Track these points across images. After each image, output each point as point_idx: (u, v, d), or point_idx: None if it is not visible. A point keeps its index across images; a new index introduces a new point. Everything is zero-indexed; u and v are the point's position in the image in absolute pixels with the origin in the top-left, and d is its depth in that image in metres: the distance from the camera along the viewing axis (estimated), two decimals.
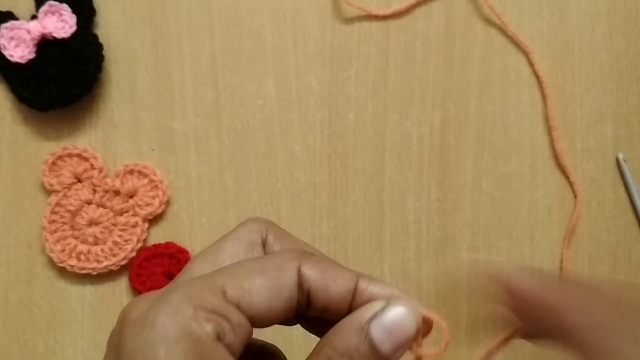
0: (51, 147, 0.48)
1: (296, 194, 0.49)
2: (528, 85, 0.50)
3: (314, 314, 0.25)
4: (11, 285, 0.48)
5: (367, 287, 0.24)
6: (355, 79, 0.50)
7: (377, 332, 0.23)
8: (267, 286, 0.23)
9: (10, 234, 0.48)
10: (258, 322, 0.23)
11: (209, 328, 0.22)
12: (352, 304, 0.24)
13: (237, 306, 0.23)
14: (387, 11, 0.49)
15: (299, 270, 0.24)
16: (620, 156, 0.30)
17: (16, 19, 0.47)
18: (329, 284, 0.24)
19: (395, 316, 0.24)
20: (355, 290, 0.24)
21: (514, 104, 0.50)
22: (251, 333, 0.23)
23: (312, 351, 0.24)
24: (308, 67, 0.49)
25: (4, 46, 0.46)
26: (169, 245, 0.48)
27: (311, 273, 0.24)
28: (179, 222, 0.49)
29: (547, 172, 0.50)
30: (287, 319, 0.25)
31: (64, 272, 0.48)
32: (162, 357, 0.21)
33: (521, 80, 0.50)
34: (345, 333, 0.23)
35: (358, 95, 0.50)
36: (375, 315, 0.23)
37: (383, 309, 0.24)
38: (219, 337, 0.22)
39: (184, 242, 0.48)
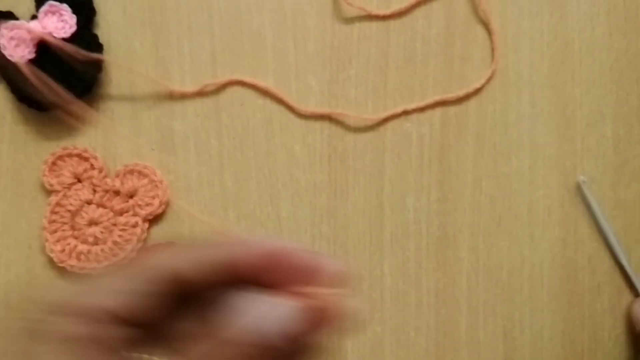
0: (51, 147, 0.48)
1: (296, 194, 0.49)
2: (528, 85, 0.50)
3: (194, 294, 0.27)
4: (11, 285, 0.48)
5: (247, 256, 0.26)
6: (355, 79, 0.50)
7: (243, 322, 0.25)
8: (133, 288, 0.26)
9: (10, 234, 0.48)
10: (132, 319, 0.26)
11: (79, 329, 0.25)
12: (232, 273, 0.26)
13: (104, 309, 0.25)
14: (387, 11, 0.49)
15: (169, 267, 0.26)
16: (581, 179, 0.29)
17: (16, 19, 0.47)
18: (202, 266, 0.26)
19: (277, 309, 0.25)
20: (233, 263, 0.26)
21: (514, 104, 0.50)
22: (130, 330, 0.26)
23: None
24: (308, 67, 0.49)
25: (4, 46, 0.46)
26: (169, 245, 0.48)
27: (182, 264, 0.26)
28: (179, 222, 0.49)
29: (547, 172, 0.50)
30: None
31: (64, 272, 0.48)
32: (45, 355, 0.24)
33: (521, 80, 0.50)
34: (212, 324, 0.25)
35: (358, 95, 0.50)
36: (242, 307, 0.25)
37: (268, 304, 0.25)
38: (91, 337, 0.25)
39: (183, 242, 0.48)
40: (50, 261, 0.48)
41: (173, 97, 0.49)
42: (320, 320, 0.25)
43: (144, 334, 0.26)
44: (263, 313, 0.25)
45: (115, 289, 0.26)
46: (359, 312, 0.26)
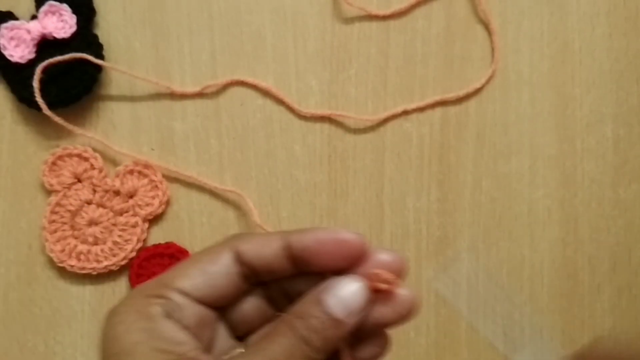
0: (51, 147, 0.48)
1: (296, 194, 0.49)
2: (528, 85, 0.50)
3: (265, 278, 0.29)
4: (11, 285, 0.48)
5: (300, 239, 0.28)
6: (355, 79, 0.50)
7: (331, 299, 0.27)
8: (204, 269, 0.28)
9: (10, 234, 0.48)
10: (211, 300, 0.28)
11: (155, 308, 0.27)
12: (292, 258, 0.28)
13: (182, 291, 0.28)
14: (387, 11, 0.49)
15: (234, 249, 0.28)
16: (432, 274, 0.29)
17: (16, 19, 0.47)
18: (261, 249, 0.28)
19: (346, 287, 0.27)
20: (288, 246, 0.28)
21: (514, 104, 0.50)
22: (207, 311, 0.28)
23: (278, 319, 0.28)
24: (308, 67, 0.49)
25: (4, 46, 0.46)
26: (169, 245, 0.48)
27: (246, 247, 0.28)
28: (179, 222, 0.49)
29: (547, 172, 0.50)
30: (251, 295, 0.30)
31: (64, 272, 0.48)
32: (121, 334, 0.26)
33: (521, 80, 0.50)
34: (303, 302, 0.27)
35: (358, 95, 0.50)
36: (328, 287, 0.27)
37: (336, 282, 0.27)
38: (167, 315, 0.27)
39: (184, 242, 0.48)
40: (50, 261, 0.48)
41: (173, 97, 0.49)
42: (385, 303, 0.28)
43: (213, 316, 0.29)
44: (343, 295, 0.27)
45: (187, 272, 0.28)
46: (414, 299, 0.28)
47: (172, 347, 0.26)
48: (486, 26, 0.50)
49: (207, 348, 0.29)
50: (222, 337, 0.30)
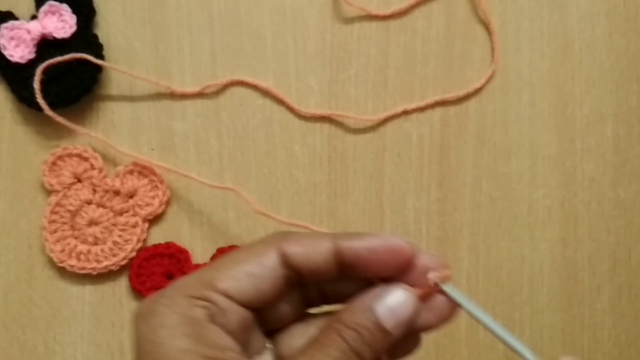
0: (51, 147, 0.48)
1: (296, 194, 0.49)
2: (528, 85, 0.50)
3: (309, 281, 0.28)
4: (11, 285, 0.48)
5: (351, 246, 0.27)
6: (355, 79, 0.50)
7: (381, 310, 0.26)
8: (250, 271, 0.27)
9: (10, 234, 0.48)
10: (254, 303, 0.27)
11: (199, 312, 0.26)
12: (341, 264, 0.28)
13: (226, 293, 0.27)
14: (387, 11, 0.49)
15: (281, 251, 0.27)
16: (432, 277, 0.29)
17: (16, 19, 0.47)
18: (310, 253, 0.28)
19: (396, 297, 0.27)
20: (339, 251, 0.27)
21: (514, 104, 0.50)
22: (248, 314, 0.27)
23: (324, 326, 0.27)
24: (308, 67, 0.49)
25: (4, 46, 0.46)
26: (169, 245, 0.48)
27: (293, 249, 0.28)
28: (179, 222, 0.49)
29: (547, 172, 0.50)
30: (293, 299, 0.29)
31: (64, 272, 0.48)
32: (164, 339, 0.25)
33: (521, 80, 0.50)
34: (353, 311, 0.27)
35: (358, 95, 0.50)
36: (379, 296, 0.27)
37: (386, 291, 0.27)
38: (211, 319, 0.26)
39: (184, 242, 0.48)
40: (50, 261, 0.48)
41: (173, 97, 0.49)
42: (429, 309, 0.27)
43: (252, 317, 0.28)
44: (393, 302, 0.27)
45: (231, 273, 0.27)
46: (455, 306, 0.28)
47: (218, 353, 0.25)
48: (486, 26, 0.50)
49: (245, 349, 0.28)
50: (257, 336, 0.29)
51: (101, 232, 0.48)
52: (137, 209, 0.48)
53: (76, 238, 0.48)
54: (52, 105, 0.47)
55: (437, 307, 0.28)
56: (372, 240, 0.27)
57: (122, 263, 0.48)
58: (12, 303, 0.48)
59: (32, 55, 0.46)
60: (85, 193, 0.48)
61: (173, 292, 0.27)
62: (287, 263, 0.28)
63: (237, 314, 0.27)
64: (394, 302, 0.27)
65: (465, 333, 0.49)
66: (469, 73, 0.50)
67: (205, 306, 0.26)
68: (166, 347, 0.25)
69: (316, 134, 0.49)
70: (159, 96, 0.49)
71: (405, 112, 0.50)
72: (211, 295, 0.26)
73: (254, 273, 0.27)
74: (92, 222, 0.48)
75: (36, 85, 0.46)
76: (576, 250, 0.50)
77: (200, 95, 0.49)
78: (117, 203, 0.48)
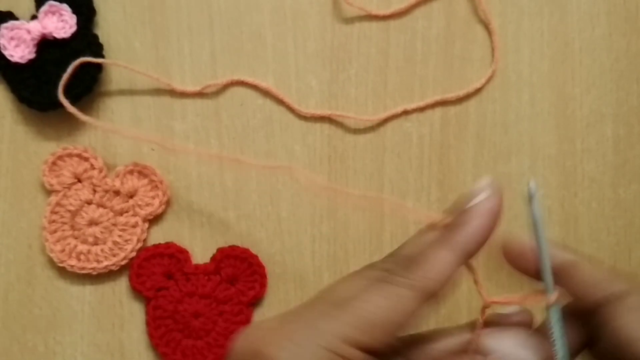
0: (51, 147, 0.48)
1: (296, 194, 0.49)
2: (528, 85, 0.50)
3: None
4: (11, 285, 0.48)
5: (466, 245, 0.28)
6: (355, 79, 0.50)
7: None
8: (392, 320, 0.25)
9: (10, 234, 0.48)
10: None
11: None
12: None
13: (358, 345, 0.25)
14: (387, 11, 0.49)
15: (421, 293, 0.26)
16: (532, 186, 0.27)
17: (16, 19, 0.47)
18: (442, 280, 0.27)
19: None
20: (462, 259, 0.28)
21: (514, 104, 0.50)
22: None
23: None
24: (308, 67, 0.49)
25: (4, 46, 0.46)
26: (169, 245, 0.48)
27: (427, 283, 0.27)
28: (179, 222, 0.49)
29: (547, 172, 0.50)
30: None
31: (64, 272, 0.48)
32: None
33: (521, 80, 0.50)
34: None
35: (358, 95, 0.50)
36: None
37: None
38: None
39: (184, 242, 0.48)
40: (50, 261, 0.48)
41: (173, 96, 0.49)
42: None
43: None
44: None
45: (373, 327, 0.25)
46: None
47: None
48: (486, 26, 0.50)
49: None
50: None
51: (101, 232, 0.48)
52: (137, 209, 0.48)
53: (76, 238, 0.48)
54: (52, 105, 0.47)
55: None
56: (482, 219, 0.28)
57: (122, 263, 0.48)
58: (12, 303, 0.48)
59: (32, 55, 0.46)
60: (85, 193, 0.48)
61: (305, 339, 0.24)
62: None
63: None
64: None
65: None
66: (469, 73, 0.50)
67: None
68: None
69: (316, 134, 0.49)
70: (159, 96, 0.49)
71: (405, 112, 0.50)
72: (348, 353, 0.25)
73: (395, 323, 0.26)
74: (92, 222, 0.48)
75: (62, 82, 0.46)
76: (576, 250, 0.50)
77: (200, 95, 0.49)
78: (117, 203, 0.48)
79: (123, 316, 0.48)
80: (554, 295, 0.26)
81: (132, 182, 0.48)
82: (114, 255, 0.48)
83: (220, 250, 0.48)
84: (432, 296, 0.26)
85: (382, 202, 0.49)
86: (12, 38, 0.46)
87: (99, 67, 0.47)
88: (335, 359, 0.24)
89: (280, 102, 0.49)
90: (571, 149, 0.50)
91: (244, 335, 0.25)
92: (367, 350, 0.25)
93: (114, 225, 0.48)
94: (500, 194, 0.27)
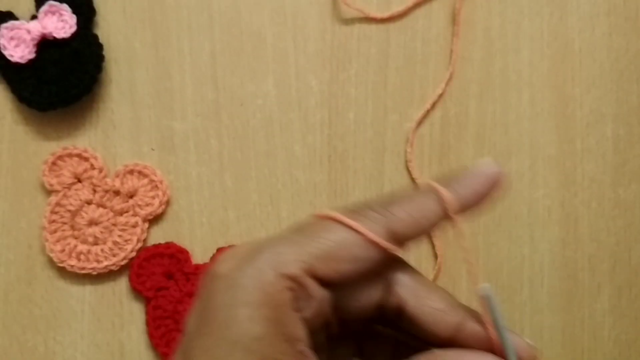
0: (51, 147, 0.48)
1: (296, 194, 0.49)
2: (528, 85, 0.50)
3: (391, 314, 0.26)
4: (11, 285, 0.48)
5: (460, 200, 0.26)
6: (355, 79, 0.50)
7: None
8: (354, 255, 0.24)
9: (10, 234, 0.48)
10: (340, 286, 0.25)
11: (286, 295, 0.23)
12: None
13: (321, 279, 0.24)
14: (385, 14, 0.49)
15: (388, 229, 0.24)
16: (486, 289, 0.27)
17: (16, 19, 0.47)
18: (419, 223, 0.25)
19: None
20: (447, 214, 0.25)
21: (514, 104, 0.50)
22: (326, 304, 0.25)
23: None
24: (308, 67, 0.49)
25: (4, 46, 0.46)
26: (169, 245, 0.48)
27: (400, 224, 0.25)
28: (179, 222, 0.49)
29: (547, 172, 0.50)
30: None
31: (64, 272, 0.48)
32: (242, 319, 0.22)
33: (521, 80, 0.50)
34: None
35: (358, 95, 0.50)
36: None
37: None
38: (294, 304, 0.23)
39: (184, 242, 0.48)
40: (50, 261, 0.48)
41: (173, 96, 0.49)
42: None
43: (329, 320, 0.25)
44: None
45: (332, 253, 0.24)
46: None
47: (292, 347, 0.23)
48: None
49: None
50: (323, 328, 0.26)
51: (101, 232, 0.48)
52: (137, 209, 0.48)
53: (76, 238, 0.48)
54: (52, 105, 0.47)
55: None
56: (481, 185, 0.26)
57: (122, 263, 0.48)
58: (12, 303, 0.48)
59: (32, 55, 0.46)
60: (85, 193, 0.48)
61: (263, 264, 0.23)
62: (391, 240, 0.25)
63: (319, 300, 0.24)
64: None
65: None
66: (468, 73, 0.50)
67: (294, 290, 0.23)
68: (242, 329, 0.22)
69: (316, 133, 0.49)
70: (159, 96, 0.49)
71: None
72: (304, 280, 0.23)
73: (357, 258, 0.24)
74: (92, 222, 0.48)
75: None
76: (576, 250, 0.50)
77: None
78: (117, 203, 0.48)
79: (123, 316, 0.48)
80: None
81: (132, 182, 0.48)
82: (114, 255, 0.48)
83: (220, 250, 0.48)
84: (400, 237, 0.25)
85: None
86: (12, 38, 0.46)
87: (99, 67, 0.47)
88: (291, 285, 0.23)
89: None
90: (571, 149, 0.50)
91: (214, 263, 0.25)
92: (324, 280, 0.24)
93: (114, 225, 0.48)
94: (501, 170, 0.26)
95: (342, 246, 0.24)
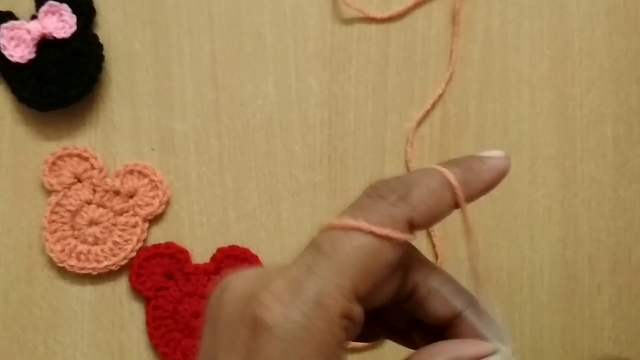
0: (51, 147, 0.48)
1: (296, 194, 0.49)
2: (528, 85, 0.50)
3: (410, 308, 0.25)
4: (11, 285, 0.48)
5: (472, 318, 0.25)
6: (355, 79, 0.50)
7: None
8: (389, 263, 0.23)
9: (10, 234, 0.48)
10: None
11: (342, 337, 0.22)
12: (451, 328, 0.25)
13: (365, 303, 0.22)
14: (385, 14, 0.49)
15: (410, 226, 0.23)
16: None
17: (16, 19, 0.47)
18: (435, 215, 0.24)
19: None
20: (459, 317, 0.25)
21: (514, 104, 0.50)
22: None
23: None
24: (308, 67, 0.49)
25: (4, 46, 0.46)
26: (169, 245, 0.48)
27: (419, 218, 0.24)
28: (179, 222, 0.49)
29: (547, 172, 0.50)
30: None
31: (64, 272, 0.48)
32: None
33: (521, 80, 0.50)
34: None
35: (358, 95, 0.50)
36: (479, 357, 0.24)
37: (487, 354, 0.24)
38: (347, 338, 0.22)
39: (184, 242, 0.48)
40: (50, 261, 0.48)
41: (173, 97, 0.49)
42: None
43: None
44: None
45: (373, 279, 0.22)
46: None
47: None
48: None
49: None
50: None
51: (101, 232, 0.48)
52: (137, 209, 0.48)
53: (76, 238, 0.48)
54: (52, 105, 0.47)
55: None
56: (488, 174, 0.25)
57: (122, 263, 0.48)
58: (12, 303, 0.48)
59: (32, 55, 0.46)
60: (85, 193, 0.48)
61: (314, 308, 0.21)
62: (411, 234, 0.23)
63: (362, 319, 0.23)
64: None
65: None
66: (468, 73, 0.50)
67: (347, 328, 0.22)
68: None
69: (316, 133, 0.49)
70: (159, 96, 0.49)
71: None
72: (354, 312, 0.22)
73: (388, 262, 0.23)
74: (92, 222, 0.48)
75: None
76: (576, 250, 0.50)
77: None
78: (117, 203, 0.48)
79: (123, 316, 0.48)
80: None
81: (132, 182, 0.48)
82: (114, 255, 0.48)
83: (220, 250, 0.48)
84: (415, 228, 0.24)
85: None
86: (12, 38, 0.46)
87: (99, 67, 0.47)
88: (344, 323, 0.22)
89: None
90: (571, 149, 0.50)
91: (235, 284, 0.23)
92: (364, 296, 0.22)
93: (114, 225, 0.48)
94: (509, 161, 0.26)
95: (374, 257, 0.23)
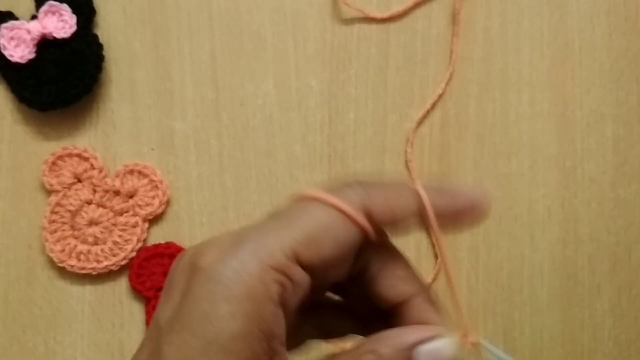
0: (51, 147, 0.48)
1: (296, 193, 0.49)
2: (528, 86, 0.50)
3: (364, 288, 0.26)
4: (11, 285, 0.48)
5: (438, 204, 0.25)
6: (355, 79, 0.50)
7: (422, 357, 0.24)
8: (336, 238, 0.24)
9: (10, 234, 0.48)
10: (325, 279, 0.24)
11: (273, 289, 0.22)
12: (400, 312, 0.26)
13: (309, 267, 0.23)
14: (385, 14, 0.49)
15: (366, 211, 0.24)
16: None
17: (16, 19, 0.47)
18: (395, 212, 0.25)
19: (440, 347, 0.24)
20: (422, 211, 0.25)
21: (514, 104, 0.50)
22: (307, 287, 0.24)
23: (354, 348, 0.25)
24: (308, 67, 0.49)
25: (4, 46, 0.46)
26: (169, 245, 0.48)
27: (378, 208, 0.24)
28: (179, 222, 0.49)
29: (547, 172, 0.50)
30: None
31: (64, 272, 0.48)
32: (222, 315, 0.21)
33: (521, 80, 0.50)
34: (391, 345, 0.24)
35: (358, 95, 0.50)
36: (423, 341, 0.24)
37: (431, 338, 0.25)
38: (281, 301, 0.22)
39: (184, 242, 0.48)
40: (50, 261, 0.48)
41: (173, 97, 0.49)
42: None
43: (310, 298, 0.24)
44: (434, 348, 0.24)
45: (316, 237, 0.23)
46: None
47: (267, 345, 0.22)
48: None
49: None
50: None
51: (101, 232, 0.48)
52: (137, 209, 0.48)
53: (76, 238, 0.48)
54: (52, 105, 0.47)
55: None
56: (461, 200, 0.25)
57: (122, 263, 0.48)
58: (12, 303, 0.48)
59: (32, 55, 0.46)
60: (85, 193, 0.48)
61: (247, 256, 0.22)
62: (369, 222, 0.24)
63: (303, 292, 0.23)
64: (435, 348, 0.24)
65: None
66: (468, 73, 0.50)
67: (282, 283, 0.22)
68: (221, 326, 0.21)
69: (316, 134, 0.49)
70: (159, 96, 0.49)
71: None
72: (292, 270, 0.23)
73: (340, 240, 0.24)
74: (92, 222, 0.48)
75: None
76: (576, 250, 0.50)
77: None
78: (117, 203, 0.48)
79: (123, 316, 0.48)
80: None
81: (132, 182, 0.48)
82: (114, 255, 0.48)
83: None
84: (374, 221, 0.25)
85: None
86: (12, 38, 0.46)
87: (99, 67, 0.47)
88: (279, 278, 0.22)
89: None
90: (571, 149, 0.50)
91: (189, 250, 0.24)
92: (307, 266, 0.23)
93: (114, 225, 0.48)
94: (485, 202, 0.26)
95: (324, 228, 0.24)
